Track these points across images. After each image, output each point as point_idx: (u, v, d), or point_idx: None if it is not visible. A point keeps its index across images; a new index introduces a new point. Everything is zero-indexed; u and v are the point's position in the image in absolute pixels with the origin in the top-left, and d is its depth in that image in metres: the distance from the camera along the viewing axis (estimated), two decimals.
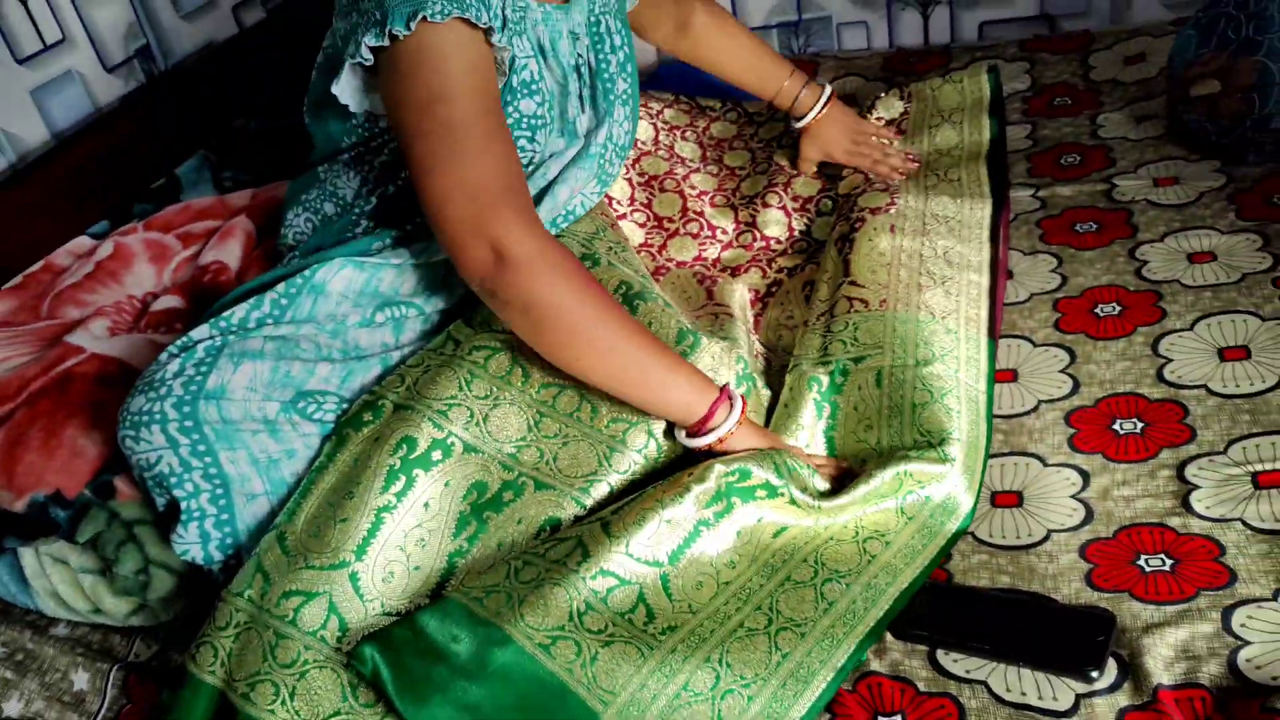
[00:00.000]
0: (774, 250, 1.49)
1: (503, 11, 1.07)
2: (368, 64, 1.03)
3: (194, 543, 1.05)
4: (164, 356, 1.08)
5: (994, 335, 1.25)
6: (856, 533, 1.05)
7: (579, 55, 1.20)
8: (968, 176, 1.50)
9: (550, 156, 1.20)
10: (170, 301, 1.32)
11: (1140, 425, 1.13)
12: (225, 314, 1.11)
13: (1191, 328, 1.23)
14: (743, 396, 1.08)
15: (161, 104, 1.79)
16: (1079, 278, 1.36)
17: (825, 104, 1.53)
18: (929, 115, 1.64)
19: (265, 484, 1.06)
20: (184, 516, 1.04)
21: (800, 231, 1.50)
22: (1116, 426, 1.14)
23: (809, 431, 1.16)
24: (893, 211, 1.40)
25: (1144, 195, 1.48)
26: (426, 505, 1.04)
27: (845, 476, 1.10)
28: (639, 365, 1.02)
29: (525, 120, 1.14)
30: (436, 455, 1.05)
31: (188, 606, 1.11)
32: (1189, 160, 1.53)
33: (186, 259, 1.46)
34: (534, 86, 1.13)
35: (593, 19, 1.23)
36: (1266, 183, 1.43)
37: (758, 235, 1.49)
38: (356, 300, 1.16)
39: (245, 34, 2.04)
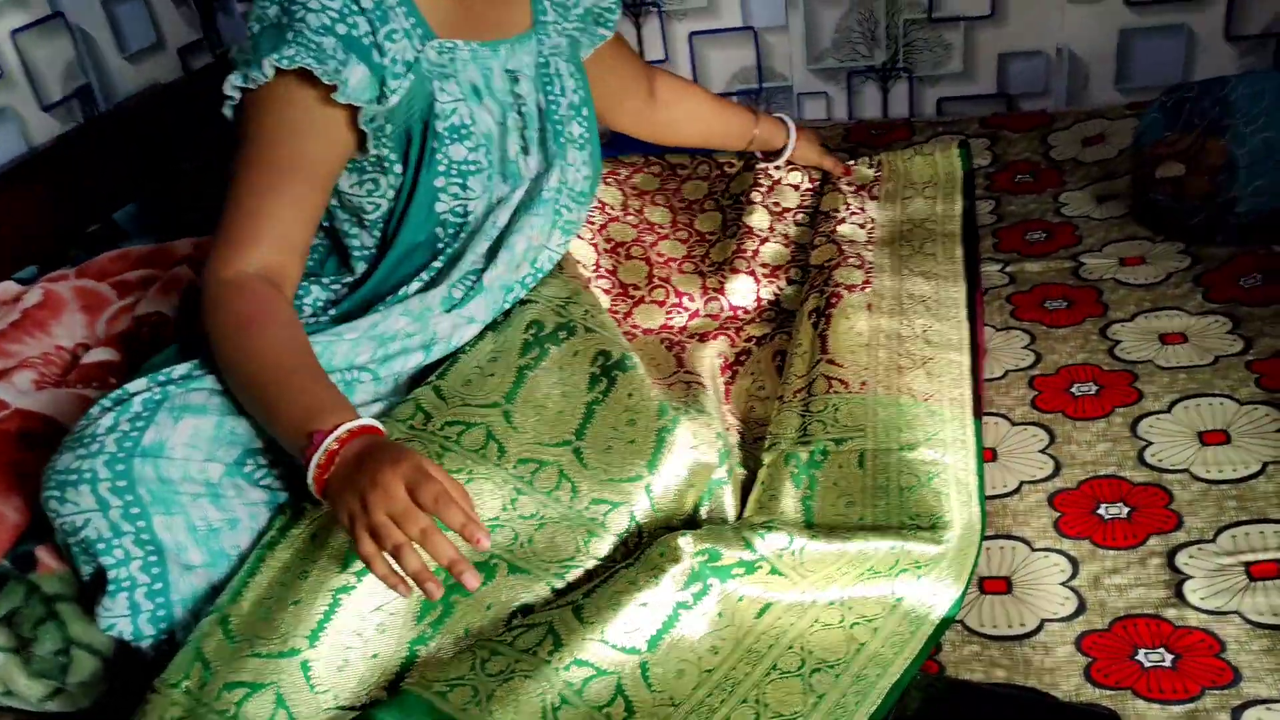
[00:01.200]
0: (741, 319, 1.45)
1: (416, 56, 1.05)
2: (230, 99, 1.02)
3: (122, 615, 0.95)
4: (95, 410, 0.99)
5: (979, 414, 1.22)
6: (843, 616, 1.00)
7: (519, 95, 1.16)
8: (943, 253, 1.48)
9: (498, 203, 1.14)
10: (103, 354, 1.23)
11: (1126, 510, 1.10)
12: (166, 369, 1.03)
13: (1169, 410, 1.21)
14: (345, 435, 0.90)
15: (101, 146, 1.71)
16: (1053, 355, 1.34)
17: (794, 134, 1.59)
18: (901, 186, 1.64)
19: (204, 555, 0.97)
20: (111, 586, 0.95)
21: (768, 301, 1.47)
22: (1102, 511, 1.11)
23: (791, 500, 1.11)
24: (869, 290, 1.38)
25: (1112, 274, 1.48)
26: None
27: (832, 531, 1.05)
28: (260, 406, 0.97)
29: (455, 166, 1.09)
30: None
31: (112, 692, 1.00)
32: (1154, 240, 1.53)
33: (122, 309, 1.37)
34: (464, 131, 1.09)
35: (541, 59, 1.19)
36: (1233, 264, 1.43)
37: (725, 305, 1.45)
38: None
39: (191, 77, 1.96)
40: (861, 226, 1.54)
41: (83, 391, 1.17)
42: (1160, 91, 1.89)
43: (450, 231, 1.13)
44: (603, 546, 1.02)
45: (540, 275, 1.22)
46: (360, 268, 1.15)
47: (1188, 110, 1.49)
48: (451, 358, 1.14)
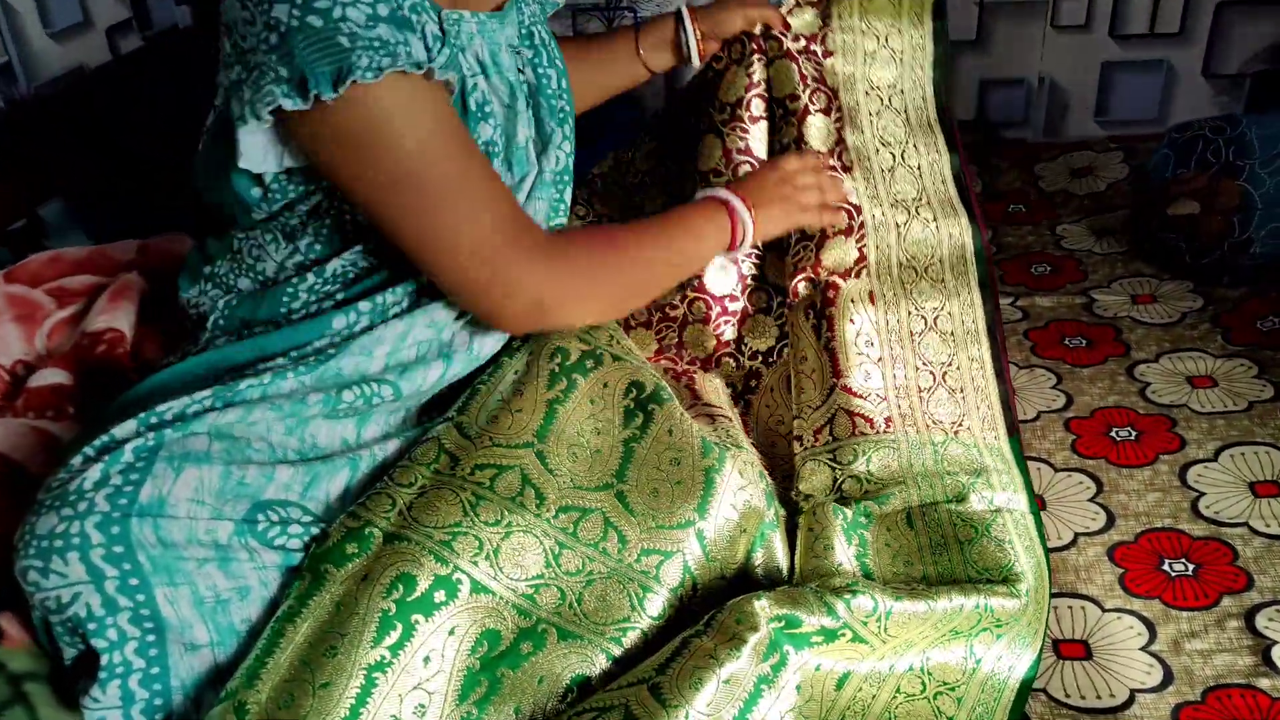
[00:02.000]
0: (730, 313, 1.31)
1: (439, 27, 0.90)
2: (266, 124, 0.83)
3: (114, 707, 0.79)
4: (78, 461, 0.83)
5: (1014, 430, 1.14)
6: (924, 685, 0.92)
7: (520, 71, 1.03)
8: (928, 164, 1.32)
9: (524, 199, 1.01)
10: (53, 376, 1.05)
11: (1191, 567, 1.05)
12: (158, 408, 0.87)
13: (1215, 458, 1.17)
14: (732, 192, 1.10)
15: (22, 131, 1.50)
16: (1084, 396, 1.29)
17: (688, 16, 1.25)
18: (858, 35, 1.34)
19: (210, 632, 0.82)
20: (103, 674, 0.79)
21: (752, 276, 1.30)
22: (1167, 567, 1.05)
23: (845, 556, 1.02)
24: (865, 273, 1.22)
25: (1126, 312, 1.44)
26: (427, 660, 0.82)
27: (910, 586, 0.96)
28: (678, 261, 1.07)
29: (486, 148, 0.96)
30: (440, 596, 0.84)
31: None
32: (1161, 279, 1.51)
33: (64, 321, 1.19)
34: (487, 109, 0.96)
35: (524, 30, 1.05)
36: (1249, 306, 1.42)
37: (709, 299, 1.32)
38: (316, 384, 0.93)
39: (120, 61, 1.76)
40: (826, 113, 1.27)
41: (36, 423, 0.99)
42: (1137, 126, 1.91)
43: None
44: (657, 604, 0.91)
45: None
46: (371, 260, 0.98)
47: (1201, 149, 1.47)
48: (469, 388, 1.00)
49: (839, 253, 1.20)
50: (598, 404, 1.01)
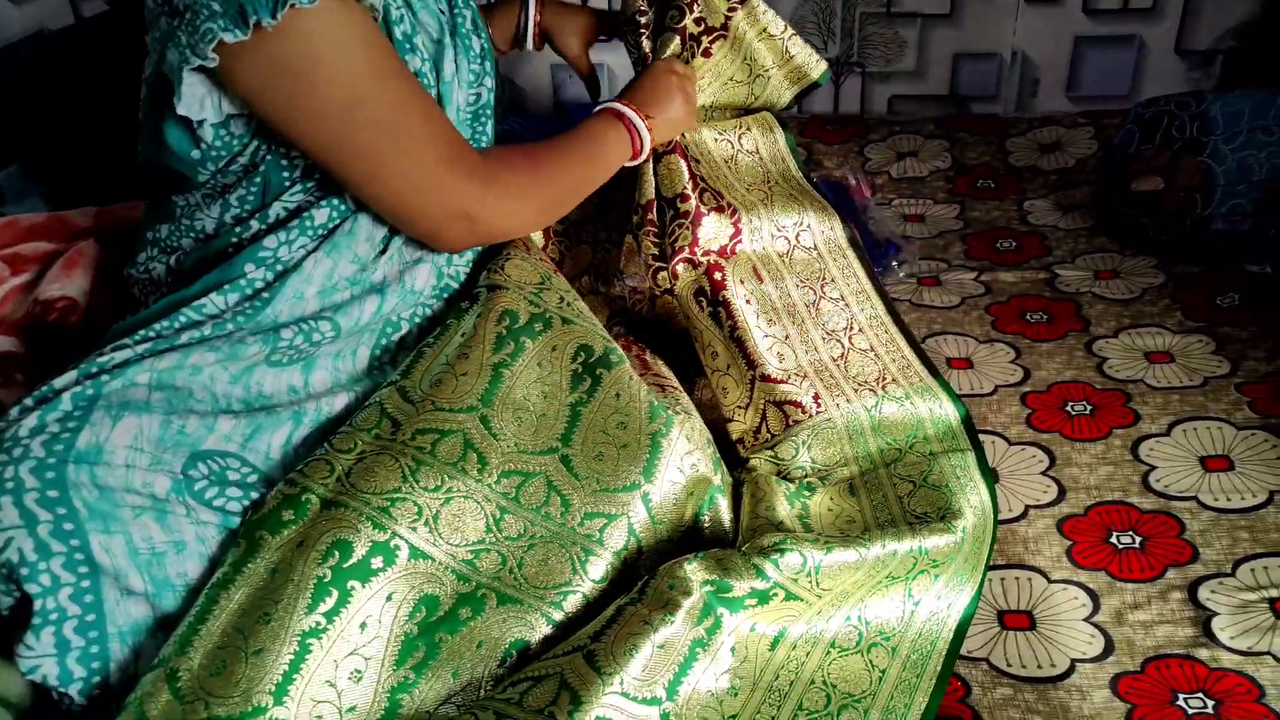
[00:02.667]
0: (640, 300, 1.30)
1: None
2: (211, 65, 0.82)
3: (48, 654, 0.79)
4: (15, 411, 0.83)
5: (933, 370, 1.17)
6: (860, 636, 0.93)
7: (441, 12, 1.02)
8: (764, 142, 1.31)
9: None
10: (3, 344, 1.05)
11: (1138, 539, 1.06)
12: (97, 358, 0.87)
13: (1168, 433, 1.18)
14: (624, 101, 1.14)
15: None
16: (1041, 371, 1.30)
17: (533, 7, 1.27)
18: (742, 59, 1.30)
19: (146, 584, 0.82)
20: (36, 620, 0.78)
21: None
22: (1114, 540, 1.06)
23: (787, 516, 1.03)
24: (742, 246, 1.18)
25: (1088, 288, 1.45)
26: (363, 626, 0.83)
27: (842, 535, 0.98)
28: (589, 173, 1.10)
29: None
30: (377, 562, 0.84)
31: None
32: (1124, 254, 1.51)
33: (16, 288, 1.18)
34: (414, 41, 0.96)
35: None
36: (1206, 283, 1.42)
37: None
38: (254, 328, 0.93)
39: (82, 24, 1.74)
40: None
41: None
42: (1108, 101, 1.91)
43: None
44: (600, 567, 0.91)
45: None
46: (298, 198, 0.97)
47: (1165, 125, 1.47)
48: (415, 352, 1.00)
49: (714, 228, 1.17)
50: (545, 367, 1.01)
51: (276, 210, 0.94)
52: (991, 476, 1.08)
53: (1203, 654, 0.94)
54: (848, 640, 0.93)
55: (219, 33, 0.79)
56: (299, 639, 0.80)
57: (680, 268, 1.16)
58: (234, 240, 0.94)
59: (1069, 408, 1.23)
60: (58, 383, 0.84)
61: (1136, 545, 1.06)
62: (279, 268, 0.93)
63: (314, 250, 0.94)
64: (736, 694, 0.87)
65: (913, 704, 0.90)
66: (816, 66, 1.32)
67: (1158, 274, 1.46)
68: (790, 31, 1.29)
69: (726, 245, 1.17)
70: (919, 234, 1.61)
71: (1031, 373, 1.30)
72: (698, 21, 1.24)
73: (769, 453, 1.11)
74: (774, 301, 1.17)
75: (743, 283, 1.15)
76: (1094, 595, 1.01)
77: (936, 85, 1.98)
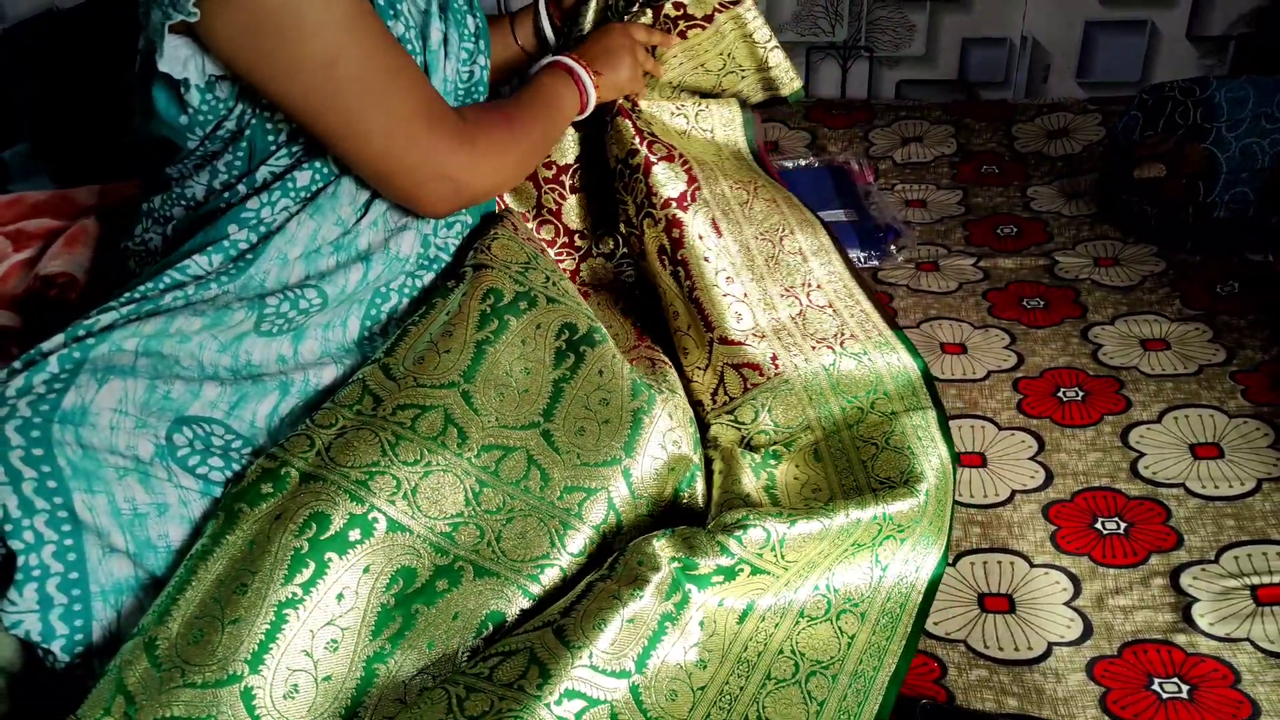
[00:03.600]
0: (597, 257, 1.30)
1: None
2: (193, 19, 0.83)
3: (30, 610, 0.81)
4: (3, 374, 0.85)
5: (893, 324, 1.19)
6: (829, 604, 0.95)
7: None
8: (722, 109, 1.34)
9: None
10: (1, 318, 1.06)
11: (1123, 525, 1.06)
12: (84, 321, 0.89)
13: (1159, 420, 1.18)
14: (573, 56, 1.16)
15: None
16: (1035, 357, 1.30)
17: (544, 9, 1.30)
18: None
19: (128, 543, 0.83)
20: (19, 575, 0.80)
21: (583, 280, 1.30)
22: (1099, 525, 1.06)
23: (754, 491, 1.04)
24: (700, 195, 1.17)
25: (1087, 274, 1.44)
26: (340, 597, 0.84)
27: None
28: (549, 129, 1.14)
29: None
30: (354, 535, 0.85)
31: (13, 713, 0.86)
32: (1125, 242, 1.50)
33: (19, 264, 1.20)
34: (399, 7, 0.98)
35: None
36: (1207, 271, 1.41)
37: (560, 229, 1.29)
38: (240, 293, 0.95)
39: (93, 4, 1.76)
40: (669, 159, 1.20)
41: None
42: (1118, 88, 1.89)
43: None
44: (578, 541, 0.93)
45: None
46: (284, 162, 0.99)
47: (1169, 111, 1.46)
48: (399, 328, 1.01)
49: (666, 175, 1.16)
50: (529, 344, 1.02)
51: (263, 174, 0.96)
52: (963, 461, 1.09)
53: (1180, 640, 0.94)
54: (816, 609, 0.95)
55: None
56: (275, 609, 0.81)
57: (645, 224, 1.18)
58: (221, 205, 0.96)
59: (1061, 394, 1.23)
60: (45, 346, 0.86)
61: (1121, 531, 1.06)
62: (262, 229, 0.95)
63: (297, 212, 0.96)
64: (705, 666, 0.88)
65: (881, 665, 0.92)
66: (790, 84, 1.35)
67: (1158, 261, 1.45)
68: (774, 43, 1.31)
69: (686, 192, 1.17)
70: (920, 219, 1.61)
71: (1025, 359, 1.30)
72: (677, 6, 1.25)
73: (729, 417, 1.13)
74: (733, 256, 1.17)
75: (701, 238, 1.16)
76: (1075, 580, 1.01)
77: (945, 70, 1.97)
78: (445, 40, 1.04)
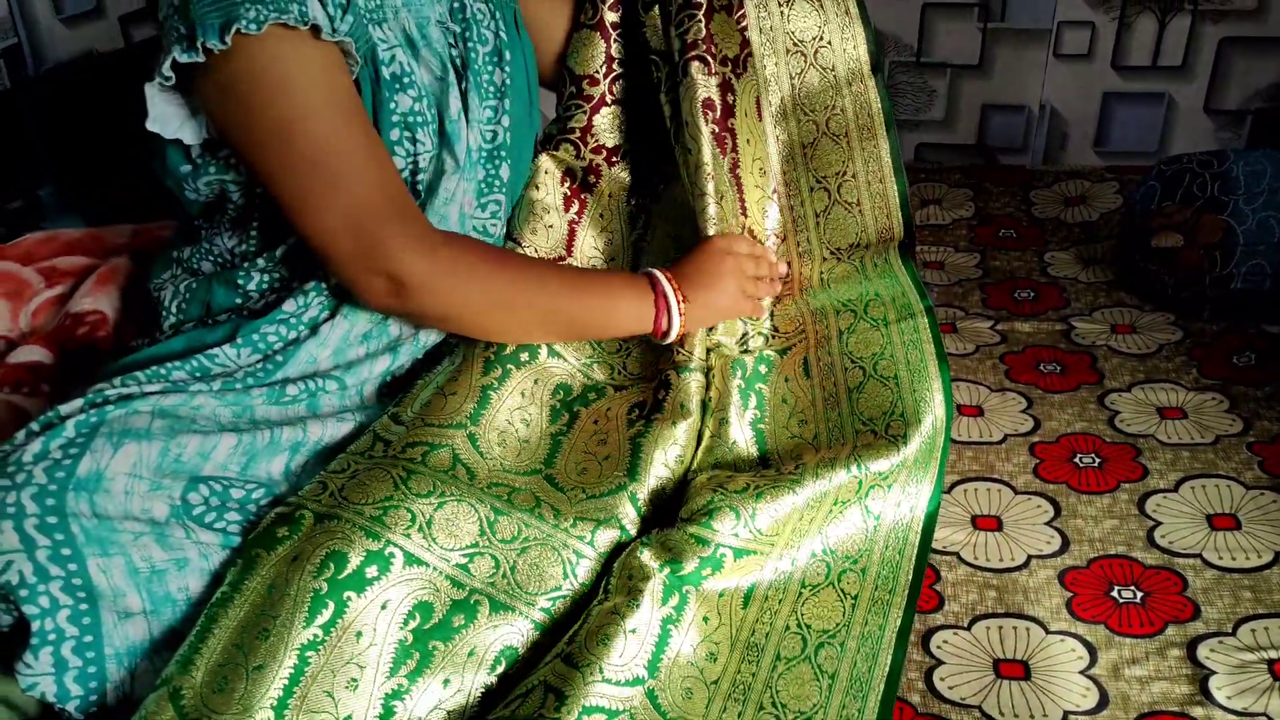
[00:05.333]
0: (585, 97, 1.19)
1: None
2: (168, 84, 0.87)
3: (45, 674, 0.82)
4: (21, 435, 0.86)
5: (910, 251, 1.17)
6: (828, 568, 0.96)
7: (451, 45, 1.04)
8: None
9: (446, 171, 1.02)
10: (32, 354, 1.08)
11: (1140, 594, 1.06)
12: (105, 389, 0.90)
13: (1176, 489, 1.18)
14: (665, 273, 1.06)
15: (26, 112, 1.54)
16: (1052, 421, 1.30)
17: None
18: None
19: (145, 600, 0.84)
20: (34, 640, 0.81)
21: (619, 61, 1.19)
22: (1115, 594, 1.06)
23: (741, 430, 1.06)
24: (752, 60, 1.11)
25: (1104, 340, 1.45)
26: (359, 635, 0.84)
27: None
28: (576, 312, 1.04)
29: (405, 119, 0.97)
30: (372, 571, 0.86)
31: None
32: (1142, 309, 1.51)
33: (51, 300, 1.22)
34: (406, 80, 0.97)
35: (455, 4, 1.05)
36: (1224, 341, 1.42)
37: None
38: (263, 380, 0.97)
39: (132, 48, 1.80)
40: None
41: (10, 397, 1.02)
42: (1136, 158, 1.92)
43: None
44: (585, 569, 0.94)
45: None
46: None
47: (1187, 182, 1.48)
48: (408, 387, 1.03)
49: (723, 28, 1.10)
50: (526, 398, 1.05)
51: (289, 253, 0.98)
52: (979, 523, 1.09)
53: (1198, 712, 0.93)
54: (817, 576, 0.96)
55: (176, 55, 0.83)
56: (298, 652, 0.81)
57: (694, 66, 1.09)
58: (244, 272, 0.98)
59: (1077, 459, 1.23)
60: (64, 409, 0.88)
61: (1138, 600, 1.05)
62: (294, 334, 0.97)
63: (331, 316, 0.98)
64: (716, 659, 0.90)
65: (887, 622, 0.94)
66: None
67: (1175, 330, 1.46)
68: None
69: (739, 55, 1.10)
70: (938, 281, 1.62)
71: (1042, 423, 1.30)
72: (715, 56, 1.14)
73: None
74: (770, 149, 1.13)
75: (746, 115, 1.10)
76: (1091, 648, 1.01)
77: (965, 135, 2.00)
78: (466, 106, 1.03)
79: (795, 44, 1.17)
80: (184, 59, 0.84)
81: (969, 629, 1.03)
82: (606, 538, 0.95)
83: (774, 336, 1.11)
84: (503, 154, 1.08)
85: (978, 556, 1.11)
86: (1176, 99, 1.89)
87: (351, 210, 0.89)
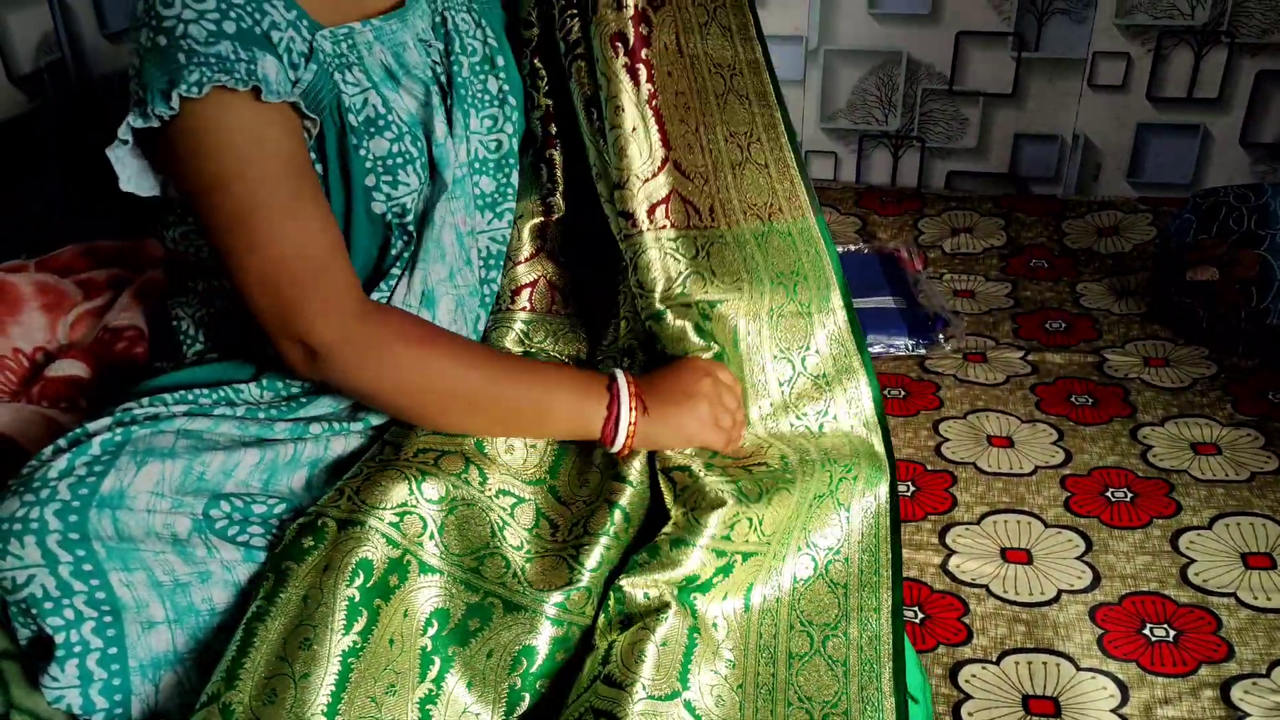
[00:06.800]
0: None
1: (309, 46, 0.92)
2: (125, 146, 0.87)
3: (71, 686, 0.82)
4: (48, 452, 0.87)
5: (818, 209, 1.13)
6: (814, 564, 0.98)
7: (435, 64, 1.02)
8: None
9: (440, 198, 1.00)
10: (71, 368, 1.09)
11: (1172, 633, 1.04)
12: (133, 409, 0.91)
13: (1210, 526, 1.16)
14: (629, 378, 0.97)
15: (67, 125, 1.56)
16: (1083, 455, 1.29)
17: None
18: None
19: (169, 610, 0.84)
20: (60, 652, 0.81)
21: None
22: (1148, 631, 1.05)
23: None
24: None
25: (1136, 374, 1.43)
26: (392, 642, 0.85)
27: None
28: (511, 405, 0.96)
29: (381, 163, 0.96)
30: (394, 580, 0.87)
31: None
32: (1176, 343, 1.50)
33: (88, 312, 1.23)
34: (381, 122, 0.96)
35: (436, 19, 1.03)
36: (1258, 377, 1.40)
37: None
38: (283, 418, 0.98)
39: None
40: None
41: (48, 411, 1.03)
42: (1170, 189, 1.90)
43: (399, 237, 1.01)
44: (593, 555, 0.94)
45: (498, 265, 1.09)
46: None
47: (1223, 215, 1.47)
48: None
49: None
50: None
51: None
52: (1009, 556, 1.09)
53: None
54: (806, 569, 0.98)
55: (131, 119, 0.84)
56: (340, 659, 0.82)
57: (603, 1, 1.03)
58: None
59: (1109, 494, 1.22)
60: (91, 426, 0.88)
61: (1170, 639, 1.04)
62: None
63: None
64: (735, 665, 0.91)
65: (880, 603, 0.96)
66: None
67: (1209, 365, 1.44)
68: None
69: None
70: (969, 310, 1.62)
71: (1073, 456, 1.29)
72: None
73: (671, 245, 1.04)
74: (688, 77, 1.08)
75: (665, 48, 1.05)
76: (1123, 686, 0.99)
77: (996, 164, 1.99)
78: (452, 125, 1.01)
79: None
80: (139, 124, 0.85)
81: (998, 663, 1.02)
82: (601, 519, 0.95)
83: (711, 280, 1.05)
84: (511, 161, 1.06)
85: (1007, 590, 1.10)
86: (1212, 131, 1.88)
87: (267, 272, 0.88)
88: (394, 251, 1.00)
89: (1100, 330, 1.55)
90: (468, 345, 0.98)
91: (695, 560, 0.92)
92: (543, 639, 0.90)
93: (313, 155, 0.94)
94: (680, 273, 1.03)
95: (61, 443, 0.87)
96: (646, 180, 1.04)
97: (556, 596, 0.91)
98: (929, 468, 1.28)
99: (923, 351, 1.50)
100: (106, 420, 0.89)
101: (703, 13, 1.12)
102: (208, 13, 0.84)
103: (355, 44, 0.95)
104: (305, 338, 0.88)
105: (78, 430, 0.88)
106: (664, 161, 1.04)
